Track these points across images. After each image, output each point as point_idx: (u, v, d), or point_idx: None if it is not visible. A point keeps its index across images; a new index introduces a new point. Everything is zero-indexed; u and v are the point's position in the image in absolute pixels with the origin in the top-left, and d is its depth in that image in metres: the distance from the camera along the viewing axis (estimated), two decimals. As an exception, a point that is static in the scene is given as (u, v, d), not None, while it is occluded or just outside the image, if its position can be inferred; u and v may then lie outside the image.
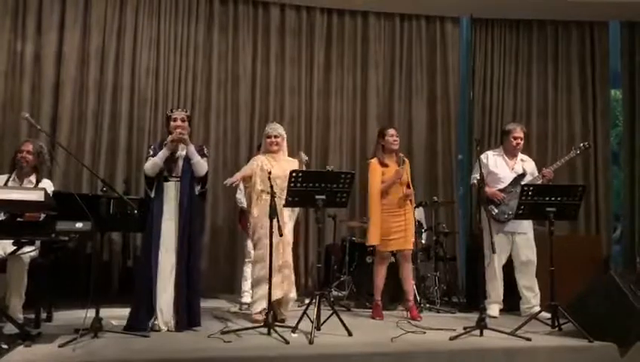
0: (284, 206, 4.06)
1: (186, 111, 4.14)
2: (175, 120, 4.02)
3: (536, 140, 6.88)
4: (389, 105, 6.83)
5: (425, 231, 5.73)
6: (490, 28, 7.03)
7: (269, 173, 4.05)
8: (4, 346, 3.07)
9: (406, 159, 4.83)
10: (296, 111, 6.57)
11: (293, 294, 4.39)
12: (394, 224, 4.57)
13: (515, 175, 4.90)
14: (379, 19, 6.86)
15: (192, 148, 3.99)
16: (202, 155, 4.07)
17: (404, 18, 6.92)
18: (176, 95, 6.19)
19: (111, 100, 5.98)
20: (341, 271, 5.54)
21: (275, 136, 4.46)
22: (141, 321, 3.79)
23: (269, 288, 3.90)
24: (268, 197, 4.08)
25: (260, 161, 4.41)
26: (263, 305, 4.12)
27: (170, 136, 3.95)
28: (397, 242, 4.58)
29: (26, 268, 3.76)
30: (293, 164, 4.44)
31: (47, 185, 4.05)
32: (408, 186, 4.69)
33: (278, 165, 4.34)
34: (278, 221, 3.88)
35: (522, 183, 4.60)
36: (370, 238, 4.62)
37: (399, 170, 4.60)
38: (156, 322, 3.82)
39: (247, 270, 4.92)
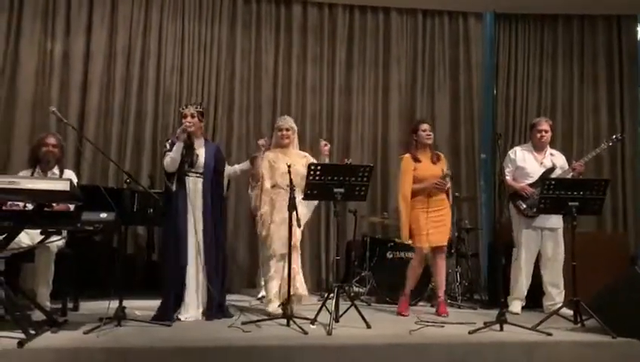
0: (303, 199, 4.09)
1: (197, 107, 4.17)
2: (185, 116, 4.09)
3: (561, 137, 6.76)
4: (411, 102, 6.81)
5: (446, 227, 5.69)
6: (514, 23, 6.96)
7: (289, 166, 4.06)
8: (32, 331, 3.16)
9: (441, 154, 4.78)
10: (318, 108, 6.60)
11: (304, 291, 4.40)
12: (428, 220, 4.48)
13: (544, 169, 4.84)
14: (401, 16, 6.84)
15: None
16: (223, 161, 4.23)
17: (427, 14, 6.89)
18: (199, 92, 6.29)
19: (136, 97, 6.12)
20: (362, 267, 5.55)
21: (287, 130, 4.47)
22: (167, 313, 3.89)
23: (289, 281, 3.94)
24: (277, 193, 4.18)
25: (268, 158, 4.39)
26: (278, 301, 4.21)
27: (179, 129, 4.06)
28: (431, 238, 4.48)
29: (53, 257, 3.88)
30: (303, 158, 4.46)
31: (71, 175, 4.15)
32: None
33: (288, 160, 4.27)
34: (297, 214, 3.91)
35: (551, 177, 4.53)
36: (402, 235, 4.63)
37: (438, 183, 4.51)
38: (182, 313, 3.92)
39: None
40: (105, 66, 6.09)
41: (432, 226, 4.49)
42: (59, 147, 4.11)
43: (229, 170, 4.41)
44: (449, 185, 4.62)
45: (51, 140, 4.10)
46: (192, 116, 4.08)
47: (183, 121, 4.07)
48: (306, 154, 4.65)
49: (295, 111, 6.48)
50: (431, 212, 4.52)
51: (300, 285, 4.36)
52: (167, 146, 4.07)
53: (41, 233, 3.50)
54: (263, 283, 5.09)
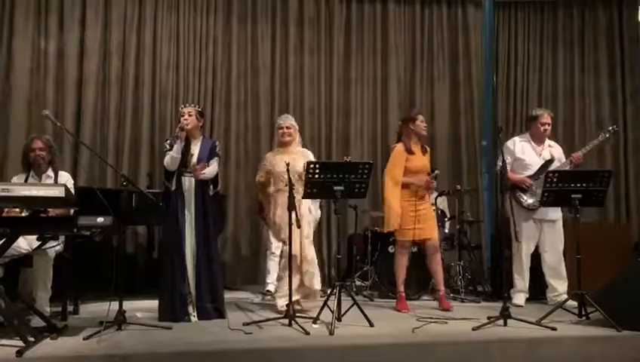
0: (303, 197, 4.06)
1: (196, 106, 4.23)
2: (183, 115, 4.10)
3: (562, 125, 6.73)
4: (410, 93, 6.74)
5: (448, 220, 5.66)
6: (513, 10, 6.89)
7: (287, 164, 4.03)
8: (31, 339, 3.12)
9: (427, 148, 4.75)
10: (316, 101, 6.52)
11: (317, 286, 4.38)
12: (414, 213, 4.44)
13: (542, 161, 4.79)
14: (399, 6, 6.74)
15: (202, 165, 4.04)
16: (214, 154, 4.14)
17: (425, 3, 6.80)
18: (196, 88, 6.21)
19: (133, 95, 6.04)
20: (364, 262, 5.52)
21: (287, 127, 4.47)
22: (171, 311, 3.90)
23: (290, 280, 3.92)
24: (283, 195, 4.18)
25: (268, 162, 4.47)
26: (287, 300, 4.15)
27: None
28: (417, 232, 4.46)
29: (51, 262, 3.83)
30: (306, 156, 4.44)
31: (66, 178, 4.09)
32: (429, 175, 4.58)
33: (290, 159, 4.26)
34: (296, 214, 3.87)
35: (550, 169, 4.49)
36: (390, 224, 4.47)
37: (431, 181, 4.52)
38: (189, 311, 3.93)
39: (270, 263, 4.92)
40: (100, 63, 6.00)
41: (419, 221, 4.44)
42: (46, 149, 3.98)
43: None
44: (435, 184, 4.67)
45: (37, 144, 3.97)
46: (190, 114, 4.08)
47: (182, 119, 4.07)
48: (309, 152, 4.63)
49: (293, 104, 6.42)
50: (418, 206, 4.47)
51: (315, 280, 4.35)
52: (167, 146, 4.08)
53: (38, 239, 3.45)
54: (268, 279, 5.02)
